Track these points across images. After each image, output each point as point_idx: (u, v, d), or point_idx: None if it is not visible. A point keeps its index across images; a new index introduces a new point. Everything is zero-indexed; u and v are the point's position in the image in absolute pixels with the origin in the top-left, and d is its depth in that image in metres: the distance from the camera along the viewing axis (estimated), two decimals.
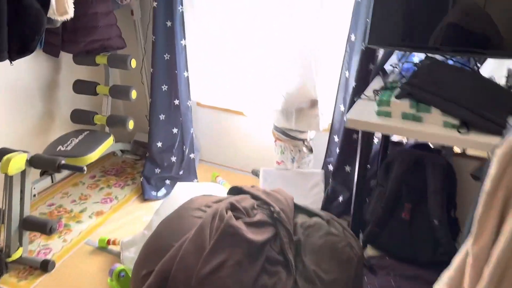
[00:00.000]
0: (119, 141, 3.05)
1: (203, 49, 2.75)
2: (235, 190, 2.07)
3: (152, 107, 2.77)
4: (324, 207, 2.50)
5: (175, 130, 2.83)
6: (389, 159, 2.29)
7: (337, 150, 2.39)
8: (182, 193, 2.46)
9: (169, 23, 2.56)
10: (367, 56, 2.15)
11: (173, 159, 2.85)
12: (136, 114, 2.98)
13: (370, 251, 2.27)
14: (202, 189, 2.56)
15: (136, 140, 3.18)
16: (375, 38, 1.91)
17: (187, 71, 2.70)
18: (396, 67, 2.10)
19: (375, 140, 2.31)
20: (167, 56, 2.65)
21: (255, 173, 2.96)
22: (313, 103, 2.28)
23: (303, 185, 2.55)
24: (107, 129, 2.75)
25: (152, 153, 2.84)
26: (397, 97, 1.70)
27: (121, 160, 3.14)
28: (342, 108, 2.35)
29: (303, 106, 2.29)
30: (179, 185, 2.48)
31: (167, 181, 2.85)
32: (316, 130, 2.42)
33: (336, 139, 2.43)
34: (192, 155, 2.89)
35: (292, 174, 2.56)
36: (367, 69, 2.17)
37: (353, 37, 2.19)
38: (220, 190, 2.63)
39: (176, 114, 2.80)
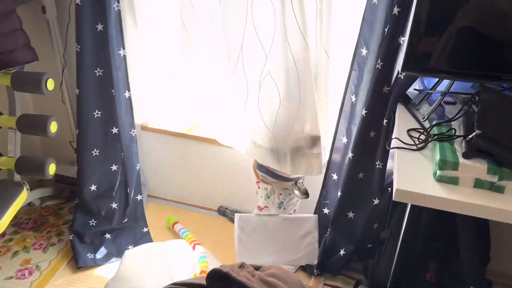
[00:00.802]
0: (36, 186, 2.27)
1: (150, 59, 2.04)
2: (216, 277, 1.45)
3: (80, 140, 2.03)
4: (321, 262, 1.97)
5: (114, 167, 2.12)
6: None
7: (338, 193, 1.85)
8: (134, 265, 1.80)
9: (100, 27, 1.82)
10: (383, 76, 1.61)
11: (114, 205, 2.15)
12: (56, 140, 2.20)
13: None
14: (159, 252, 1.92)
15: (59, 176, 2.40)
16: (414, 63, 1.37)
17: (128, 90, 1.99)
18: (422, 92, 1.58)
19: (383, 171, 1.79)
20: (99, 72, 1.91)
21: (223, 213, 2.35)
22: (315, 140, 1.71)
23: (292, 234, 1.99)
24: (16, 176, 1.96)
25: (84, 200, 2.11)
26: (466, 155, 1.18)
27: (40, 206, 2.35)
28: (344, 140, 1.80)
29: (300, 144, 1.71)
30: (127, 255, 1.81)
31: (107, 236, 2.15)
32: (318, 174, 1.86)
33: (334, 177, 1.89)
34: (139, 197, 2.20)
35: (277, 221, 1.99)
36: (380, 93, 1.64)
37: (363, 51, 1.63)
38: (183, 249, 2.00)
39: (114, 146, 2.08)
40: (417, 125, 1.47)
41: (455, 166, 1.16)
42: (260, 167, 1.89)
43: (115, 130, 2.05)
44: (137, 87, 2.05)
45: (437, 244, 1.74)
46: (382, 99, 1.64)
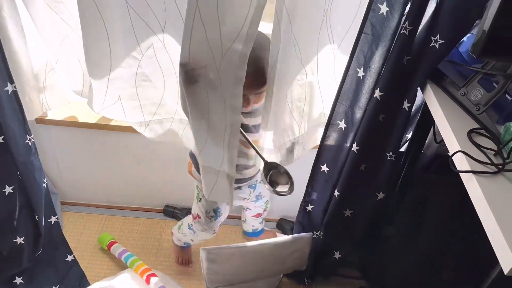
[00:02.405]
0: None
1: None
2: None
3: None
4: (312, 268, 1.60)
5: (8, 190, 1.43)
6: (419, 198, 1.46)
7: (336, 192, 1.43)
8: None
9: None
10: (408, 45, 1.13)
11: (19, 239, 1.50)
12: None
13: None
14: None
15: None
16: (497, 48, 0.90)
17: (11, 82, 1.26)
18: (461, 67, 1.15)
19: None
20: None
21: (171, 214, 1.83)
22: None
23: (279, 254, 1.56)
24: None
25: None
26: None
27: None
28: (342, 125, 1.34)
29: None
30: None
31: (18, 280, 1.53)
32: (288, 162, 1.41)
33: (323, 168, 1.45)
34: (53, 219, 1.57)
35: (260, 247, 1.51)
36: (403, 67, 1.17)
37: (383, 8, 1.11)
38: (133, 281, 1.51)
39: (2, 161, 1.38)
40: (465, 116, 1.06)
41: None
42: (192, 154, 1.42)
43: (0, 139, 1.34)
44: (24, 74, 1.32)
45: (454, 239, 1.45)
46: (404, 75, 1.18)
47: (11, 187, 1.44)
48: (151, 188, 1.82)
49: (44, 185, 1.50)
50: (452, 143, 1.00)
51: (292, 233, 1.79)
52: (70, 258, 1.62)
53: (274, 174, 1.24)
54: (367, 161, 1.35)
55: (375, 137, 1.28)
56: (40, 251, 1.57)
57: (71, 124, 1.64)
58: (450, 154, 0.99)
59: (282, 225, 1.85)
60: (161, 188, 1.82)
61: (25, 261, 1.53)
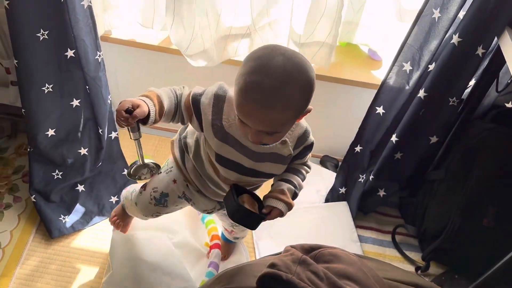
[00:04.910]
0: None
1: None
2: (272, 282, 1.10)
3: (23, 72, 1.37)
4: (360, 203, 1.68)
5: (75, 103, 1.51)
6: (472, 144, 1.48)
7: (394, 137, 1.46)
8: (130, 256, 1.37)
9: None
10: None
11: (83, 150, 1.60)
12: None
13: (433, 268, 1.62)
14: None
15: None
16: None
17: None
18: None
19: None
20: None
21: None
22: None
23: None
24: None
25: (41, 149, 1.54)
26: None
27: None
28: (407, 67, 1.33)
29: None
30: (117, 241, 1.36)
31: (80, 188, 1.65)
32: None
33: (379, 111, 1.47)
34: (113, 134, 1.66)
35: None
36: (483, 9, 1.14)
37: None
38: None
39: (72, 75, 1.45)
40: None
41: None
42: (182, 138, 1.18)
43: (71, 53, 1.39)
44: None
45: (498, 188, 1.48)
46: (484, 22, 1.16)
47: (78, 101, 1.52)
48: None
49: (109, 101, 1.57)
50: None
51: (335, 171, 1.85)
52: (126, 172, 1.73)
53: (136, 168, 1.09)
54: (430, 106, 1.36)
55: (445, 82, 1.28)
56: (100, 163, 1.67)
57: (133, 44, 1.67)
58: None
59: (325, 162, 1.91)
60: None
61: (87, 171, 1.64)
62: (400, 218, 1.74)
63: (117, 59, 1.75)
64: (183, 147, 1.15)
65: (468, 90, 1.47)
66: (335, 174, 1.80)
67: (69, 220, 1.59)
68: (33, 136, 1.51)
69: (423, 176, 1.61)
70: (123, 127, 0.91)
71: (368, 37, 1.60)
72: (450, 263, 1.61)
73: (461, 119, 1.47)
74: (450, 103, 1.35)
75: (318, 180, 1.83)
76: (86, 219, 1.61)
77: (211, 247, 1.52)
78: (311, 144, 1.04)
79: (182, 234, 1.53)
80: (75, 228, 1.58)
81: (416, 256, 1.65)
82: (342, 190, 1.70)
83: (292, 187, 1.04)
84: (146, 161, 1.09)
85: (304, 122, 1.00)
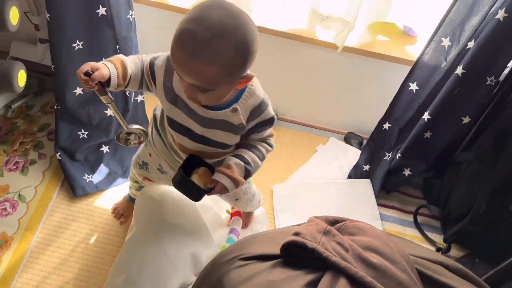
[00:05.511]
0: None
1: None
2: (296, 249, 1.10)
3: (54, 28, 1.36)
4: (384, 182, 1.66)
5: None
6: (505, 126, 1.44)
7: (426, 115, 1.43)
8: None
9: None
10: None
11: (109, 111, 1.61)
12: None
13: (453, 251, 1.60)
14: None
15: (15, 59, 1.72)
16: None
17: None
18: None
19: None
20: None
21: None
22: None
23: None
24: None
25: (68, 108, 1.54)
26: None
27: (5, 116, 1.74)
28: (445, 42, 1.29)
29: None
30: (146, 192, 1.37)
31: (105, 148, 1.66)
32: None
33: (413, 87, 1.44)
34: (139, 98, 1.66)
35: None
36: None
37: None
38: None
39: (103, 34, 1.44)
40: None
41: None
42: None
43: (102, 11, 1.38)
44: None
45: None
46: None
47: None
48: None
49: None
50: None
51: (359, 148, 1.83)
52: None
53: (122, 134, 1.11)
54: (466, 84, 1.32)
55: (485, 60, 1.24)
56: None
57: (165, 6, 1.64)
58: None
59: (350, 139, 1.88)
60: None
61: (112, 132, 1.65)
62: (423, 199, 1.72)
63: (149, 21, 1.72)
64: (153, 120, 1.16)
65: (505, 71, 1.42)
66: (358, 151, 1.78)
67: (93, 179, 1.60)
68: (61, 94, 1.51)
69: (450, 157, 1.58)
70: (88, 90, 0.93)
71: (402, 14, 1.55)
72: (472, 246, 1.59)
73: (495, 101, 1.43)
74: (487, 82, 1.31)
75: (341, 156, 1.81)
76: (109, 180, 1.62)
77: (232, 214, 1.53)
78: (270, 119, 0.99)
79: (204, 200, 1.53)
80: (99, 188, 1.60)
81: (437, 238, 1.63)
82: (366, 167, 1.68)
83: (242, 163, 1.00)
84: (134, 127, 1.10)
85: (261, 93, 0.96)
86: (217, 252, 1.37)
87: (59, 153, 1.59)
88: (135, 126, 1.11)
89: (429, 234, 1.63)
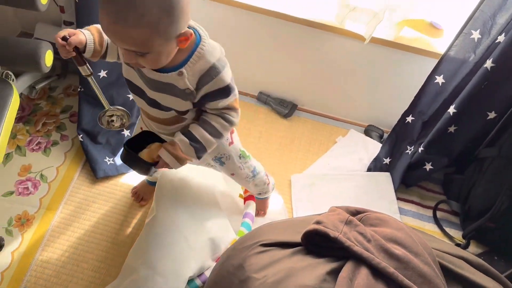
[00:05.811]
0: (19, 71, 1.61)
1: None
2: (317, 237, 1.10)
3: (81, 5, 1.37)
4: (404, 176, 1.64)
5: None
6: None
7: (451, 109, 1.41)
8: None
9: None
10: None
11: (132, 95, 1.61)
12: None
13: (472, 248, 1.59)
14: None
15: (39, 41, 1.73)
16: None
17: None
18: None
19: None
20: None
21: (265, 100, 1.87)
22: None
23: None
24: None
25: (91, 90, 1.53)
26: None
27: (29, 96, 1.75)
28: (475, 35, 1.27)
29: None
30: (166, 177, 1.38)
31: (126, 132, 1.67)
32: None
33: (439, 80, 1.42)
34: None
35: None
36: None
37: None
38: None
39: None
40: None
41: None
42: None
43: None
44: None
45: None
46: None
47: None
48: (247, 73, 1.83)
49: None
50: None
51: (380, 141, 1.81)
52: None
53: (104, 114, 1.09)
54: (494, 78, 1.29)
55: None
56: None
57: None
58: None
59: (370, 132, 1.87)
60: (255, 73, 1.83)
61: (134, 116, 1.65)
62: (442, 194, 1.70)
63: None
64: None
65: None
66: (378, 144, 1.77)
67: (114, 162, 1.61)
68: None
69: (473, 152, 1.56)
70: (65, 57, 0.92)
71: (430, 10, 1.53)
72: (491, 243, 1.58)
73: None
74: None
75: (361, 148, 1.80)
76: None
77: (245, 199, 1.54)
78: (225, 88, 0.93)
79: (221, 184, 1.53)
80: (119, 171, 1.61)
81: (455, 234, 1.62)
82: (387, 160, 1.67)
83: (187, 140, 0.97)
84: (116, 107, 1.07)
85: (214, 57, 0.90)
86: (234, 237, 1.37)
87: (81, 135, 1.60)
88: (117, 107, 1.08)
89: (447, 229, 1.61)
